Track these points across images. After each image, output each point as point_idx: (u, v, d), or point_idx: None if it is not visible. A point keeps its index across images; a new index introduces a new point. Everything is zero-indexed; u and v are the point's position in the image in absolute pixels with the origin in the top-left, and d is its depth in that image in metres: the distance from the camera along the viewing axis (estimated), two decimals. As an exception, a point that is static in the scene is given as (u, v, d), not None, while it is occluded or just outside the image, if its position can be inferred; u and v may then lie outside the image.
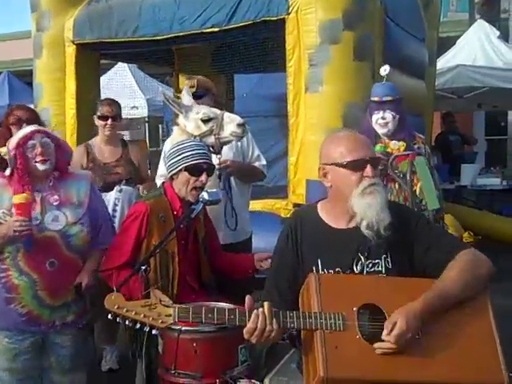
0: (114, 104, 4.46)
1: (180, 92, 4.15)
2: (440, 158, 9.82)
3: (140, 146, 4.41)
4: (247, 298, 2.11)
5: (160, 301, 2.85)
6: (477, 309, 2.16)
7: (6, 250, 2.93)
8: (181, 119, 3.64)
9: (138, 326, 2.05)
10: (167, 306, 2.07)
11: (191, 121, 3.58)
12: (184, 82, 4.11)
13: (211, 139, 3.57)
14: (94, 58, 6.56)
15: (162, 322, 2.04)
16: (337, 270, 2.26)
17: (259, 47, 7.18)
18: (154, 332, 2.07)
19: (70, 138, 6.18)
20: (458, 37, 10.47)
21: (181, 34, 5.81)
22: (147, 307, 2.05)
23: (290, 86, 5.45)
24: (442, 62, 9.39)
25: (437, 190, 4.00)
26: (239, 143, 3.96)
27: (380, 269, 2.26)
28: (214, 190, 3.09)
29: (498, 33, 10.20)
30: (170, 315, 2.05)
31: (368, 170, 2.21)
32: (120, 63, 11.19)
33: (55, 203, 3.00)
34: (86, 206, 3.08)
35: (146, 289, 2.62)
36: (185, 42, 6.25)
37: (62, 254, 2.98)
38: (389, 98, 3.96)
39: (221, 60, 7.84)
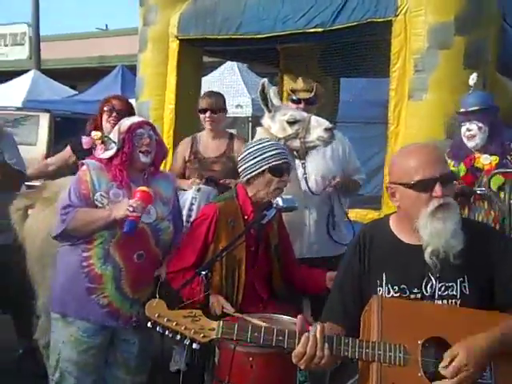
0: (214, 96, 4.36)
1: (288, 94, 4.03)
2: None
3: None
4: (299, 318, 1.93)
5: (222, 308, 2.77)
6: None
7: (100, 234, 2.89)
8: (265, 119, 3.50)
9: (178, 337, 1.91)
10: (217, 318, 1.92)
11: (277, 122, 3.44)
12: (298, 83, 3.96)
13: (296, 143, 3.42)
14: (196, 54, 6.56)
15: (203, 337, 1.90)
16: (402, 286, 2.06)
17: (367, 50, 6.93)
18: (194, 346, 1.92)
19: (167, 133, 6.22)
20: None
21: (283, 32, 5.68)
22: (190, 318, 1.92)
23: (393, 92, 5.18)
24: None
25: None
26: (340, 152, 3.83)
27: (454, 293, 2.03)
28: (289, 196, 2.90)
29: None
30: (214, 329, 1.91)
31: (437, 189, 2.01)
32: (229, 62, 11.23)
33: None
34: (171, 204, 3.09)
35: (206, 294, 2.49)
36: (287, 42, 6.14)
37: (150, 248, 2.96)
38: (474, 108, 3.69)
39: (327, 62, 7.64)
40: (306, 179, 3.62)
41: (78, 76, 18.32)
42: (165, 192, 3.07)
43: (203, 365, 2.65)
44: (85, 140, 3.92)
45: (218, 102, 4.29)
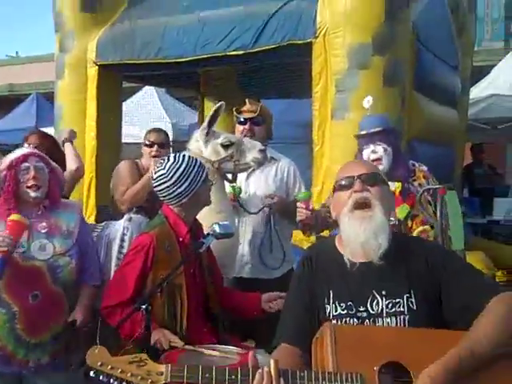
0: (161, 132, 4.47)
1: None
2: (467, 191, 9.60)
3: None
4: (250, 354, 1.87)
5: (170, 342, 2.67)
6: None
7: None
8: (193, 144, 3.47)
9: None
10: (159, 363, 1.82)
11: (209, 145, 3.41)
12: (245, 105, 3.97)
13: (230, 165, 3.41)
14: (116, 80, 6.43)
15: (151, 382, 1.79)
16: (348, 303, 2.04)
17: (286, 72, 7.00)
18: None
19: (89, 161, 6.05)
20: (493, 66, 10.18)
21: (205, 56, 5.65)
22: (135, 364, 1.79)
23: (316, 112, 5.24)
24: (476, 92, 9.10)
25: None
26: (284, 177, 3.83)
27: (402, 309, 2.00)
28: (226, 222, 2.86)
29: (534, 62, 9.86)
30: (162, 373, 1.80)
31: (356, 184, 2.04)
32: (147, 87, 11.11)
33: (43, 231, 2.81)
34: (75, 237, 2.90)
35: (147, 328, 2.38)
36: (209, 65, 6.11)
37: (46, 287, 2.78)
38: (377, 129, 3.56)
39: (247, 84, 7.67)
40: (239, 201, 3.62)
41: (-12, 105, 17.66)
42: (66, 224, 2.89)
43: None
44: None
45: (165, 138, 4.38)
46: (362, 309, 2.02)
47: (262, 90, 7.57)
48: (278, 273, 3.68)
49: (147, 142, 4.34)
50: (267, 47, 5.41)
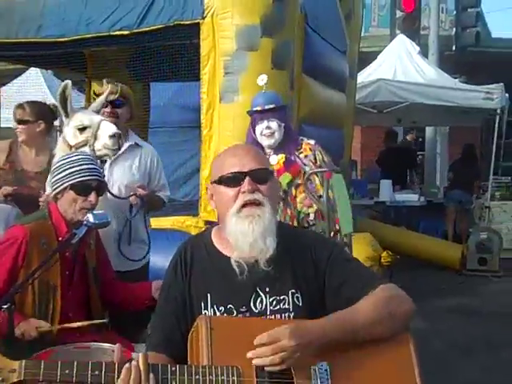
0: (29, 106, 3.96)
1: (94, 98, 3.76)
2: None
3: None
4: (117, 347, 1.68)
5: (36, 328, 2.49)
6: (393, 352, 1.84)
7: None
8: (64, 126, 3.23)
9: None
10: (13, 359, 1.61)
11: (71, 128, 3.18)
12: (103, 86, 3.68)
13: (88, 151, 3.12)
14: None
15: (1, 381, 1.60)
16: (229, 307, 1.88)
17: (178, 53, 6.83)
18: None
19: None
20: (379, 52, 10.48)
21: (88, 35, 5.40)
22: None
23: (204, 95, 5.14)
24: (363, 77, 9.34)
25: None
26: (148, 166, 3.64)
27: (287, 306, 1.89)
28: (101, 211, 2.68)
29: (418, 49, 10.25)
30: (15, 370, 1.60)
31: (245, 183, 1.85)
32: (32, 68, 10.58)
33: None
34: None
35: (9, 328, 2.19)
36: (93, 45, 5.84)
37: None
38: (272, 106, 3.71)
39: (136, 67, 7.43)
40: None
41: None
42: None
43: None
44: None
45: (34, 112, 3.92)
46: (243, 309, 1.88)
47: (152, 73, 7.35)
48: (139, 264, 3.55)
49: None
50: (154, 27, 5.24)
